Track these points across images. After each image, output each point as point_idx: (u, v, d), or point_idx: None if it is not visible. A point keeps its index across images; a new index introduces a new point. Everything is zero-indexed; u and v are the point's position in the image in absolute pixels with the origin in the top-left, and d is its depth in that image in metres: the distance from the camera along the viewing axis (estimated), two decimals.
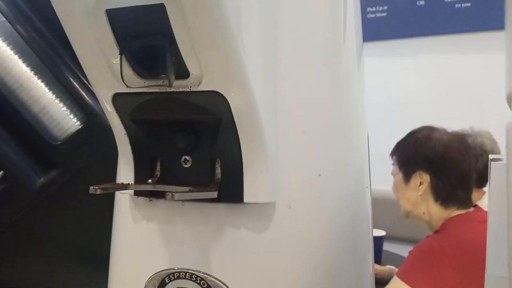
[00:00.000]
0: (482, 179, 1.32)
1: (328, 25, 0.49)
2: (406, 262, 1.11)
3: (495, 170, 0.43)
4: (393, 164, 1.26)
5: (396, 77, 2.07)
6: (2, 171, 0.73)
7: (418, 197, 1.19)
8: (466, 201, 1.17)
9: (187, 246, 0.45)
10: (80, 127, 0.72)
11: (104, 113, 0.46)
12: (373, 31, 2.10)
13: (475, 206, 1.18)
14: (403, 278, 1.03)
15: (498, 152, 1.34)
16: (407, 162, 1.21)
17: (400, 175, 1.22)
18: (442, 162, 1.16)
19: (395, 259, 1.47)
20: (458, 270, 1.01)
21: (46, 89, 0.73)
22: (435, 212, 1.18)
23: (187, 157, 0.43)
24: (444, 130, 1.21)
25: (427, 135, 1.19)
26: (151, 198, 0.45)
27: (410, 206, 1.22)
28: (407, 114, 1.84)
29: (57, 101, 0.73)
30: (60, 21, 0.40)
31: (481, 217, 1.12)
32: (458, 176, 1.16)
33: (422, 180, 1.18)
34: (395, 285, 1.04)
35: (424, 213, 1.20)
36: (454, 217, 1.15)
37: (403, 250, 1.49)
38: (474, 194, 1.24)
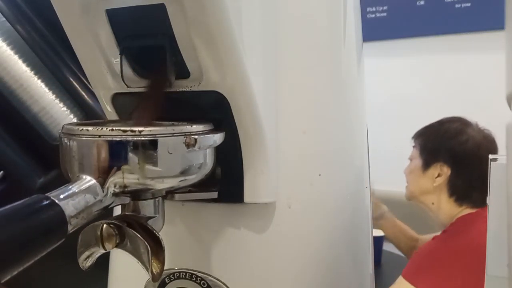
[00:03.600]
0: None
1: (328, 25, 0.49)
2: (411, 262, 1.08)
3: (495, 170, 0.43)
4: (414, 147, 1.20)
5: (396, 77, 2.07)
6: (2, 171, 0.73)
7: (431, 188, 1.14)
8: (480, 202, 1.13)
9: (187, 246, 0.45)
10: None
11: (104, 113, 0.46)
12: (373, 31, 2.10)
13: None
14: (409, 278, 1.02)
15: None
16: (430, 150, 1.15)
17: (419, 161, 1.17)
18: (469, 160, 1.11)
19: (395, 259, 1.46)
20: (465, 272, 0.99)
21: (46, 89, 0.73)
22: (446, 207, 1.14)
23: None
24: (477, 127, 1.14)
25: (460, 129, 1.13)
26: None
27: (419, 192, 1.17)
28: (407, 114, 1.84)
29: (57, 101, 0.73)
30: (60, 21, 0.40)
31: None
32: (480, 178, 1.10)
33: (441, 173, 1.13)
34: (400, 285, 1.03)
35: (433, 203, 1.16)
36: (464, 216, 1.11)
37: None
38: None
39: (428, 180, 1.15)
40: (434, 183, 1.14)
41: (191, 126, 0.36)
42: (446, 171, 1.13)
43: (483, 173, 1.10)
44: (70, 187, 0.32)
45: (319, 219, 0.47)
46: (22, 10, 0.73)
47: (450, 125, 1.16)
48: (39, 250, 0.27)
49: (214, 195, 0.42)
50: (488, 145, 1.11)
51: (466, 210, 1.12)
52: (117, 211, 0.39)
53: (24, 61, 0.72)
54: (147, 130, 0.34)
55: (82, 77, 0.73)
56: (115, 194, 0.34)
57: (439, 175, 1.13)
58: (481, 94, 1.78)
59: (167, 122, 0.37)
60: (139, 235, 0.34)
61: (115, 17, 0.39)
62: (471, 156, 1.11)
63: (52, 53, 0.73)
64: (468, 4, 1.96)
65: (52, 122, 0.72)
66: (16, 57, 0.72)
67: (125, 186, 0.34)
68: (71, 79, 0.73)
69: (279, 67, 0.44)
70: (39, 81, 0.73)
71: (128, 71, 0.41)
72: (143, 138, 0.33)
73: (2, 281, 0.24)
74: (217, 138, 0.39)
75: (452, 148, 1.12)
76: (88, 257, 0.35)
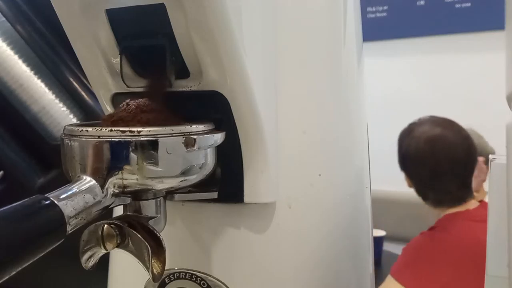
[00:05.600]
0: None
1: (328, 25, 0.49)
2: (399, 259, 1.11)
3: (495, 170, 0.44)
4: None
5: (396, 77, 2.07)
6: (2, 171, 0.73)
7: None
8: (437, 202, 1.16)
9: (187, 246, 0.45)
10: None
11: (104, 113, 0.46)
12: (373, 31, 2.10)
13: (481, 201, 1.16)
14: (396, 276, 1.03)
15: (489, 148, 1.33)
16: (399, 163, 1.24)
17: None
18: (412, 164, 1.17)
19: (395, 259, 1.46)
20: (451, 267, 1.01)
21: (46, 89, 0.73)
22: (428, 208, 1.20)
23: None
24: (422, 129, 1.17)
25: (404, 136, 1.20)
26: None
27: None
28: (407, 114, 1.83)
29: (57, 101, 0.73)
30: (60, 21, 0.40)
31: (481, 216, 1.11)
32: (428, 177, 1.15)
33: (407, 180, 1.22)
34: (388, 284, 1.03)
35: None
36: (450, 214, 1.15)
37: None
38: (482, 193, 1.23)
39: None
40: (412, 187, 1.22)
41: (191, 126, 0.36)
42: (408, 178, 1.20)
43: (429, 173, 1.15)
44: (69, 187, 0.32)
45: (319, 219, 0.47)
46: (22, 10, 0.73)
47: (403, 129, 1.23)
48: (37, 251, 0.27)
49: (214, 195, 0.42)
50: (426, 148, 1.14)
51: (449, 210, 1.15)
52: (120, 211, 0.39)
53: (24, 61, 0.72)
54: (145, 130, 0.34)
55: (82, 77, 0.73)
56: (115, 195, 0.34)
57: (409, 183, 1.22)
58: (481, 94, 1.78)
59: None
60: (139, 235, 0.34)
61: (115, 17, 0.39)
62: (413, 160, 1.17)
63: (52, 53, 0.73)
64: (468, 4, 1.96)
65: (52, 122, 0.72)
66: (16, 57, 0.72)
67: (124, 187, 0.34)
68: (71, 79, 0.73)
69: (279, 67, 0.44)
70: (39, 81, 0.73)
71: (128, 71, 0.41)
72: (141, 139, 0.33)
73: (0, 281, 0.24)
74: (217, 138, 0.38)
75: (400, 157, 1.21)
76: (90, 257, 0.35)
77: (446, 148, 1.13)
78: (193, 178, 0.37)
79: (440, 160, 1.13)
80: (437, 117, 1.21)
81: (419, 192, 1.19)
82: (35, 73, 0.73)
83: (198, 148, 0.36)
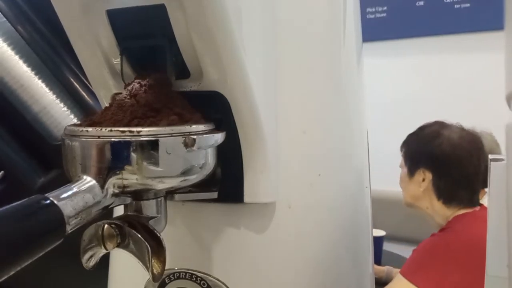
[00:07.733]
0: (483, 180, 1.31)
1: (327, 25, 0.49)
2: (410, 260, 1.10)
3: (495, 170, 0.44)
4: (402, 156, 1.25)
5: (396, 77, 2.07)
6: (2, 171, 0.73)
7: (420, 193, 1.18)
8: (469, 202, 1.15)
9: (187, 246, 0.45)
10: None
11: None
12: (373, 31, 2.10)
13: (481, 205, 1.17)
14: (407, 276, 1.02)
15: (499, 154, 1.32)
16: (411, 157, 1.19)
17: (405, 169, 1.21)
18: (445, 161, 1.14)
19: (395, 259, 1.46)
20: (463, 268, 1.00)
21: (47, 89, 0.73)
22: (438, 209, 1.17)
23: None
24: (457, 127, 1.17)
25: (436, 131, 1.16)
26: None
27: (412, 199, 1.22)
28: (407, 114, 1.84)
29: (58, 101, 0.73)
30: (61, 21, 0.40)
31: (486, 216, 1.11)
32: (462, 177, 1.13)
33: (424, 177, 1.17)
34: (398, 283, 1.03)
35: (427, 207, 1.20)
36: (460, 215, 1.14)
37: (403, 250, 1.49)
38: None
39: (416, 186, 1.19)
40: (421, 188, 1.17)
41: (190, 126, 0.36)
42: (428, 175, 1.16)
43: (463, 173, 1.13)
44: (69, 187, 0.32)
45: (319, 219, 0.47)
46: (23, 10, 0.73)
47: (427, 129, 1.20)
48: (37, 250, 0.27)
49: (214, 195, 0.42)
50: (464, 144, 1.14)
51: (460, 211, 1.14)
52: (120, 211, 0.39)
53: (24, 62, 0.72)
54: (145, 130, 0.34)
55: (82, 77, 0.73)
56: (115, 195, 0.34)
57: (423, 180, 1.17)
58: (481, 94, 1.78)
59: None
60: (139, 235, 0.34)
61: (116, 17, 0.39)
62: (449, 157, 1.14)
63: (53, 53, 0.73)
64: (468, 5, 1.96)
65: (53, 122, 0.73)
66: (17, 57, 0.72)
67: (124, 187, 0.34)
68: (72, 79, 0.73)
69: (279, 67, 0.44)
70: (39, 81, 0.73)
71: (128, 71, 0.41)
72: (141, 139, 0.33)
73: (0, 280, 0.24)
74: (217, 138, 0.38)
75: (429, 152, 1.16)
76: (91, 256, 0.35)
77: (479, 148, 1.15)
78: (194, 178, 0.37)
79: (478, 158, 1.13)
80: (442, 121, 1.21)
81: (445, 191, 1.15)
82: (36, 73, 0.73)
83: (198, 148, 0.36)
